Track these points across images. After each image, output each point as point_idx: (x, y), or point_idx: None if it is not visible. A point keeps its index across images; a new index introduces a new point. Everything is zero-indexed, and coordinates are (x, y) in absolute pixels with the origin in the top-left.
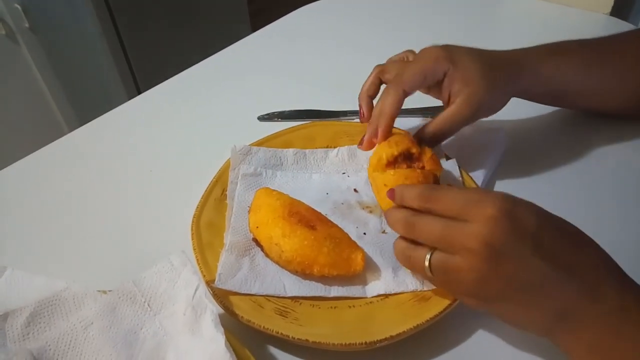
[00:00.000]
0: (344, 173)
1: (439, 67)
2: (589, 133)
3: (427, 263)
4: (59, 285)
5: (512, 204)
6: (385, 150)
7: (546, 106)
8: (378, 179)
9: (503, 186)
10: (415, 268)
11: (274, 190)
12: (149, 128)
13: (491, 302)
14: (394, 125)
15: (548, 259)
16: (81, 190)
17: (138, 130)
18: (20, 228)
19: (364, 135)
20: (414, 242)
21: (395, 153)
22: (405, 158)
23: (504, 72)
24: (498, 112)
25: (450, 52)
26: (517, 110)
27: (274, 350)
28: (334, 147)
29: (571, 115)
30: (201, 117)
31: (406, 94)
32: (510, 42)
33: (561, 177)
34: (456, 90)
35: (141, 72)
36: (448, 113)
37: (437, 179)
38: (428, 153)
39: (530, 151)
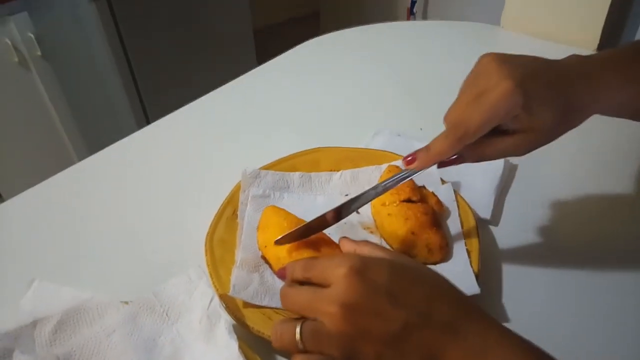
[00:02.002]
0: (347, 195)
1: (510, 111)
2: (605, 157)
3: (298, 335)
4: (84, 296)
5: (362, 261)
6: (387, 197)
7: None
8: (383, 211)
9: (512, 212)
10: (284, 341)
11: (281, 209)
12: (160, 155)
13: None
14: (399, 167)
15: (405, 307)
16: (100, 212)
17: (150, 157)
18: (48, 247)
19: (411, 154)
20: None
21: (397, 201)
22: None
23: (578, 112)
24: None
25: (525, 92)
26: None
27: (281, 359)
28: (338, 171)
29: (583, 137)
30: (209, 145)
31: (464, 142)
32: None
33: (570, 201)
34: (521, 129)
35: (151, 103)
36: (504, 145)
37: (437, 216)
38: (433, 198)
39: (538, 175)
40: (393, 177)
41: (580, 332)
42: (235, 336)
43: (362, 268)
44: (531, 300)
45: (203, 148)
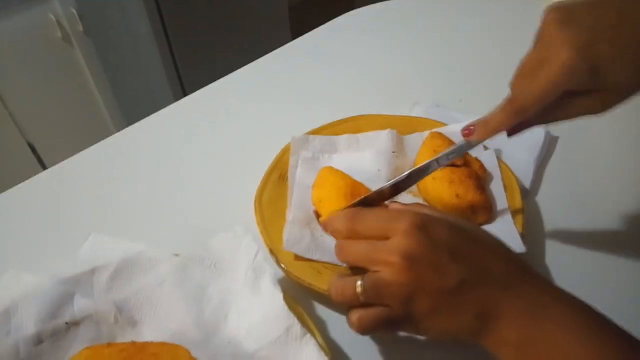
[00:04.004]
0: (393, 152)
1: (571, 82)
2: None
3: (359, 288)
4: (137, 248)
5: (424, 218)
6: None
7: None
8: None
9: (552, 183)
10: (346, 296)
11: (337, 170)
12: (199, 126)
13: (424, 318)
14: (442, 133)
15: (463, 262)
16: (144, 177)
17: (190, 127)
18: (98, 208)
19: (469, 126)
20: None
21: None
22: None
23: None
24: None
25: (590, 58)
26: None
27: (320, 310)
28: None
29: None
30: (246, 115)
31: (521, 116)
32: None
33: (612, 173)
34: (594, 90)
35: (188, 78)
36: (576, 107)
37: (480, 180)
38: (477, 163)
39: (579, 147)
40: (452, 148)
41: (622, 293)
42: (279, 287)
43: (423, 224)
44: (574, 262)
45: (241, 118)
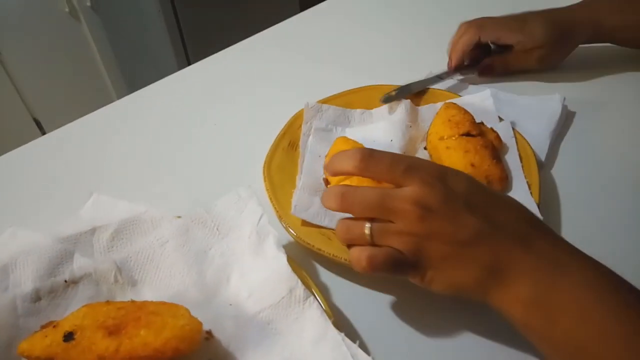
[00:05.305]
0: (409, 124)
1: (510, 39)
2: None
3: (367, 230)
4: (139, 209)
5: (443, 168)
6: (446, 131)
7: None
8: (441, 145)
9: (567, 157)
10: (354, 235)
11: (351, 139)
12: (209, 91)
13: (433, 266)
14: (457, 104)
15: (480, 215)
16: (157, 140)
17: (198, 94)
18: (109, 168)
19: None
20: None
21: (456, 135)
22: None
23: (569, 32)
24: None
25: (523, 24)
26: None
27: (324, 276)
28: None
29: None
30: (253, 85)
31: (479, 40)
32: None
33: (628, 153)
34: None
35: (195, 53)
36: (514, 59)
37: (496, 150)
38: (492, 133)
39: (597, 125)
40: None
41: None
42: (283, 250)
43: (441, 174)
44: (590, 236)
45: (248, 87)
